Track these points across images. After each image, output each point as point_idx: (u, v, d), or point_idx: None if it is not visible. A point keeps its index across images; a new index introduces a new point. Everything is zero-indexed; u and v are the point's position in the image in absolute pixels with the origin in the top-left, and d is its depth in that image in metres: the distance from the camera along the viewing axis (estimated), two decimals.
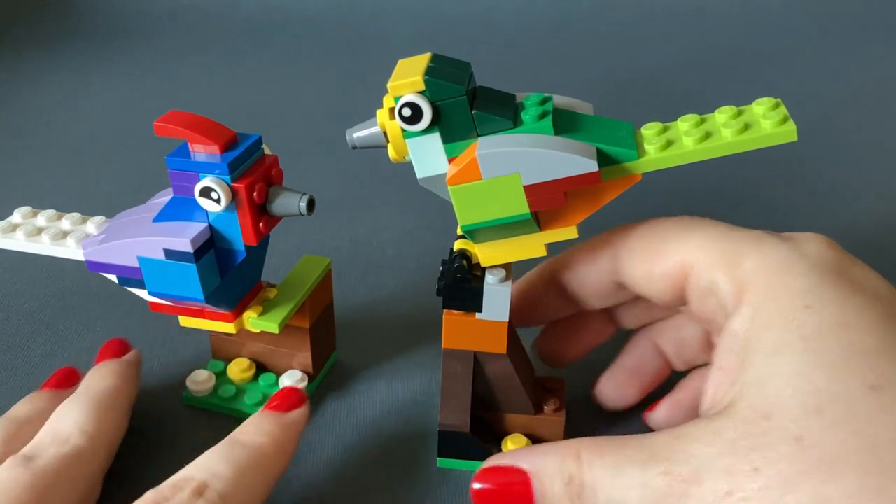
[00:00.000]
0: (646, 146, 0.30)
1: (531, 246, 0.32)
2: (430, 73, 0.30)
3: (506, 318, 0.34)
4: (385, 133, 0.32)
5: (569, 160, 0.29)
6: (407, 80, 0.29)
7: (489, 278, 0.33)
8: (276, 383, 0.41)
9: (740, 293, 0.29)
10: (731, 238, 0.31)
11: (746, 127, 0.28)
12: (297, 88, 0.85)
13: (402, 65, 0.31)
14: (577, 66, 0.89)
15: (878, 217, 0.59)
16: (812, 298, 0.27)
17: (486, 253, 0.32)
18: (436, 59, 0.31)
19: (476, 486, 0.31)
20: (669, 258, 0.32)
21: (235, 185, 0.34)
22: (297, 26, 1.03)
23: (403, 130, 0.30)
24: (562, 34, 0.97)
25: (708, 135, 0.29)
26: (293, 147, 0.68)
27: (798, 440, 0.25)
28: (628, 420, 0.40)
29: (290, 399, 0.35)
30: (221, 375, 0.42)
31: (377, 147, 0.33)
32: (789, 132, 0.28)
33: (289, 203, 0.35)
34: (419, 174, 0.31)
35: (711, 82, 0.85)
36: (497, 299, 0.33)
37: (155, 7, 1.07)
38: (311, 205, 0.35)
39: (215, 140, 0.34)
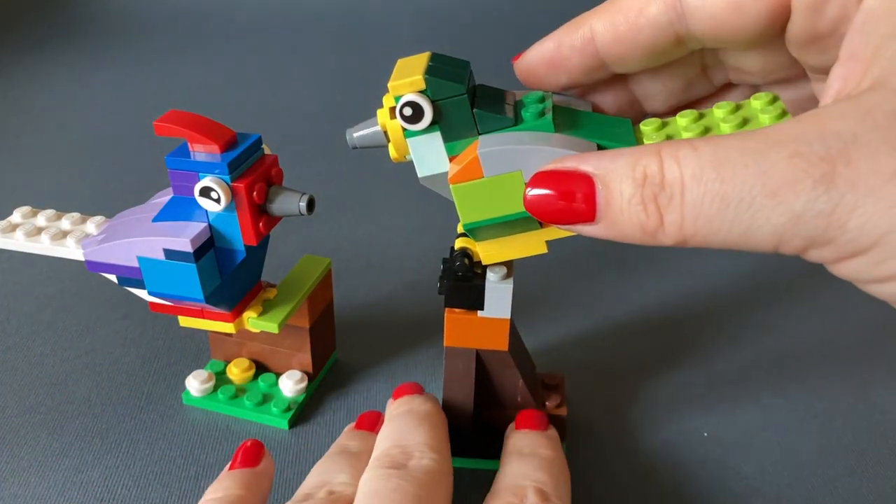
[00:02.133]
0: (645, 142, 0.30)
1: (532, 243, 0.32)
2: (431, 72, 0.30)
3: (507, 316, 0.34)
4: (385, 133, 0.32)
5: None
6: (407, 79, 0.29)
7: (491, 276, 0.33)
8: (277, 383, 0.41)
9: None
10: None
11: (745, 122, 0.28)
12: (297, 88, 0.85)
13: (402, 64, 0.31)
14: None
15: None
16: None
17: (488, 251, 0.32)
18: (435, 57, 0.31)
19: (531, 192, 0.27)
20: None
21: (235, 184, 0.34)
22: (296, 26, 1.03)
23: (404, 130, 0.30)
24: None
25: (707, 130, 0.29)
26: (293, 147, 0.68)
27: None
28: (633, 417, 0.40)
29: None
30: (221, 375, 0.42)
31: (377, 147, 0.33)
32: None
33: (289, 203, 0.35)
34: (420, 173, 0.31)
35: None
36: (499, 297, 0.33)
37: (155, 7, 1.07)
38: (311, 205, 0.35)
39: (215, 140, 0.34)
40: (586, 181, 0.26)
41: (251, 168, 0.35)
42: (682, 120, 0.30)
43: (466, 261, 0.33)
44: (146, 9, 1.07)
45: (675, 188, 0.23)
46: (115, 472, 0.37)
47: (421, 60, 0.30)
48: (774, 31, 0.27)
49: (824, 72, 0.27)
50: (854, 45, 0.24)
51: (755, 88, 0.32)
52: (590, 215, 0.26)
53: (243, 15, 1.06)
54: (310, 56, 0.94)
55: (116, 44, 0.98)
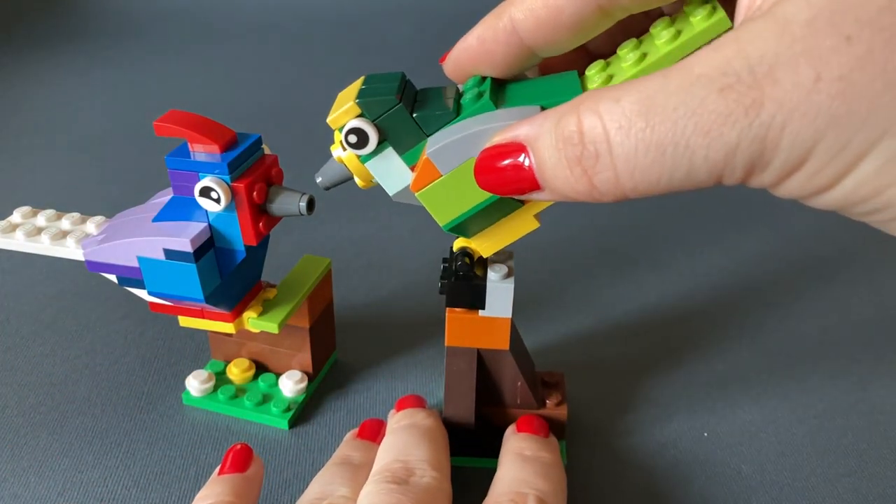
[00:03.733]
0: (589, 86, 0.29)
1: (522, 222, 0.32)
2: (362, 94, 0.30)
3: (509, 315, 0.34)
4: (346, 165, 0.32)
5: None
6: (342, 108, 0.30)
7: (492, 275, 0.33)
8: (277, 383, 0.41)
9: None
10: None
11: (679, 33, 0.27)
12: (298, 88, 0.85)
13: (340, 96, 0.31)
14: None
15: None
16: None
17: (483, 244, 0.32)
18: (368, 79, 0.31)
19: (477, 170, 0.27)
20: None
21: (235, 184, 0.34)
22: (296, 26, 1.03)
23: (358, 156, 0.31)
24: None
25: (644, 55, 0.28)
26: (293, 147, 0.68)
27: None
28: (632, 416, 0.40)
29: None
30: (221, 375, 0.42)
31: (346, 181, 0.33)
32: (720, 21, 0.27)
33: (289, 203, 0.35)
34: (389, 192, 0.32)
35: None
36: (500, 296, 0.33)
37: (155, 7, 1.07)
38: (311, 205, 0.35)
39: (215, 140, 0.34)
40: (521, 150, 0.25)
41: (251, 168, 0.35)
42: (622, 51, 0.28)
43: (467, 260, 0.33)
44: (146, 9, 1.07)
45: (599, 145, 0.23)
46: (115, 472, 0.37)
47: (355, 87, 0.31)
48: None
49: None
50: None
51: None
52: (534, 183, 0.25)
53: (243, 15, 1.06)
54: (309, 56, 0.94)
55: (116, 44, 0.98)
